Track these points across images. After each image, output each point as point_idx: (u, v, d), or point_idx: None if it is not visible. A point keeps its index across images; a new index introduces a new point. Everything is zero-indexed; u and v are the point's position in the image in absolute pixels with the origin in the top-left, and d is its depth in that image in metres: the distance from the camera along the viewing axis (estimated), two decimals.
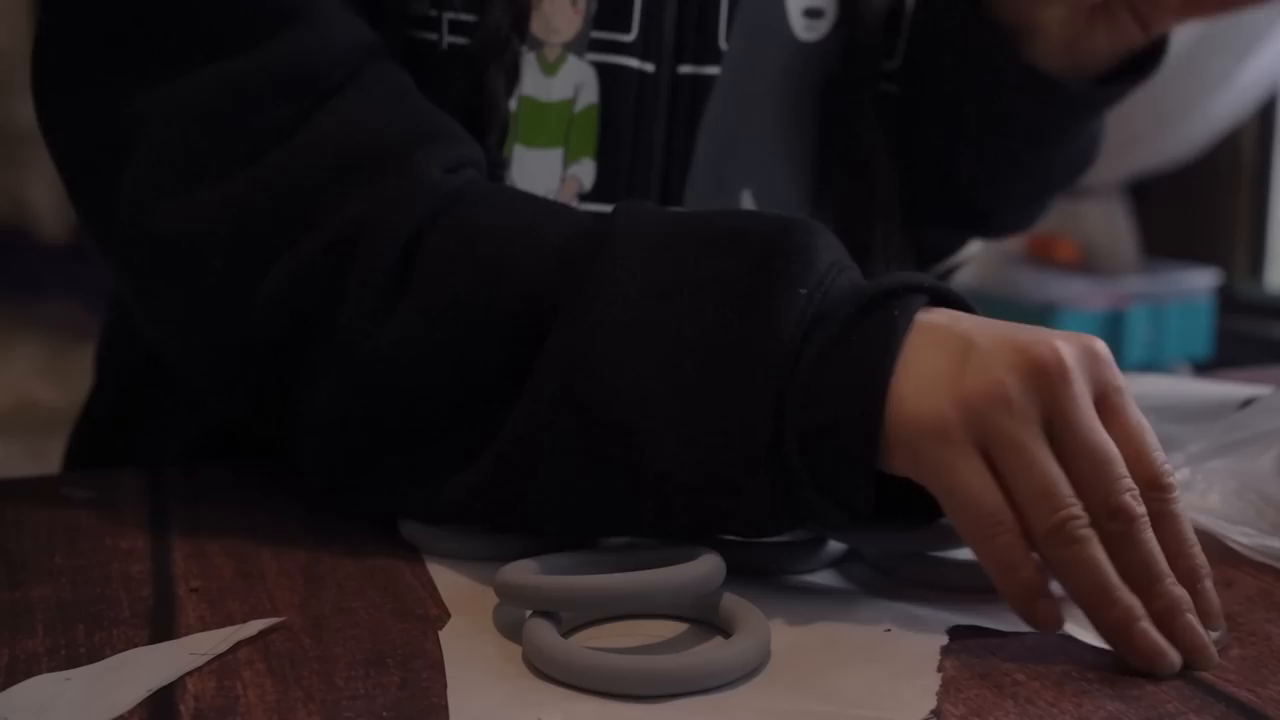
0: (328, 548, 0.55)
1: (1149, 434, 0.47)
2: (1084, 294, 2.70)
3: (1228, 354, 2.74)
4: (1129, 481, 0.45)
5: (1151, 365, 2.62)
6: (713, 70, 0.67)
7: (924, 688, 0.42)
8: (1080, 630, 0.47)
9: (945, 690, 0.43)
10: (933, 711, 0.41)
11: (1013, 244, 2.94)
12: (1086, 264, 2.86)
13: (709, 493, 0.48)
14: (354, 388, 0.54)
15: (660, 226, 0.52)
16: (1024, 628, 0.47)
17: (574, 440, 0.49)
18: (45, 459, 0.89)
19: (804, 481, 0.47)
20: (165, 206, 0.55)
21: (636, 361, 0.49)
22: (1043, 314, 2.70)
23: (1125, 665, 0.44)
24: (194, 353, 0.58)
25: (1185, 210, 2.97)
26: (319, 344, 0.54)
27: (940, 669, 0.44)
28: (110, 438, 0.80)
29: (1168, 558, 0.45)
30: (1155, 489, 0.46)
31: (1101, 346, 0.47)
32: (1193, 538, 0.46)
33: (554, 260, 0.52)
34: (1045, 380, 0.46)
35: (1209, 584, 0.46)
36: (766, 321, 0.48)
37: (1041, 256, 2.91)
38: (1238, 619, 0.48)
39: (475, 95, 0.62)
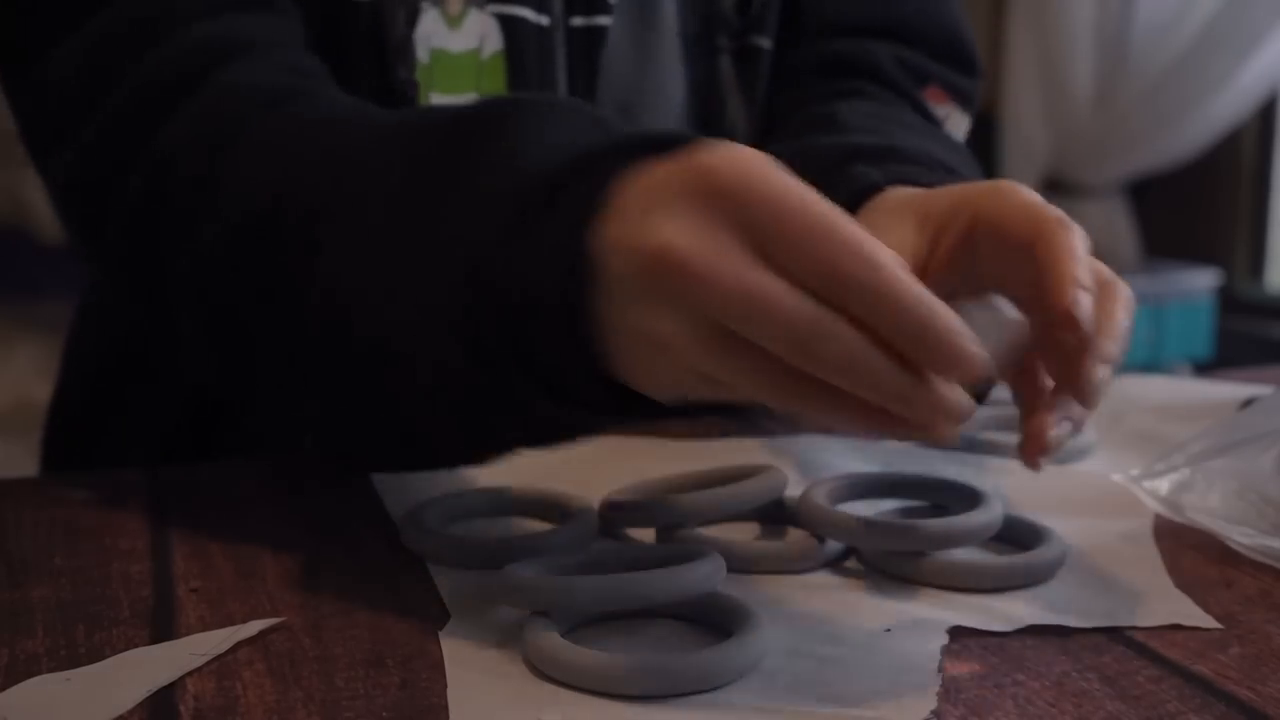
0: (328, 548, 0.55)
1: None
2: None
3: (1228, 354, 2.74)
4: None
5: (1151, 365, 2.62)
6: (604, 21, 0.70)
7: (924, 688, 0.42)
8: (1066, 618, 0.47)
9: (945, 690, 0.43)
10: (933, 711, 0.41)
11: None
12: None
13: (419, 368, 0.48)
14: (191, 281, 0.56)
15: (404, 116, 0.53)
16: (1023, 625, 0.47)
17: (301, 319, 0.51)
18: None
19: (511, 365, 0.45)
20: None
21: (356, 232, 0.49)
22: None
23: (1125, 665, 0.44)
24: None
25: (1185, 210, 2.97)
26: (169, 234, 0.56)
27: (940, 669, 0.44)
28: (81, 437, 0.80)
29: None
30: None
31: None
32: None
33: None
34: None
35: None
36: (473, 192, 0.46)
37: None
38: (1238, 619, 0.48)
39: (380, 39, 0.65)
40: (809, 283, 0.39)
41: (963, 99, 0.78)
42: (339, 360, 0.51)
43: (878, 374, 0.40)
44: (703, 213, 0.40)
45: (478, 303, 0.45)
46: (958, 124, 0.78)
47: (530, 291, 0.43)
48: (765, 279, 0.39)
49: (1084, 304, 0.46)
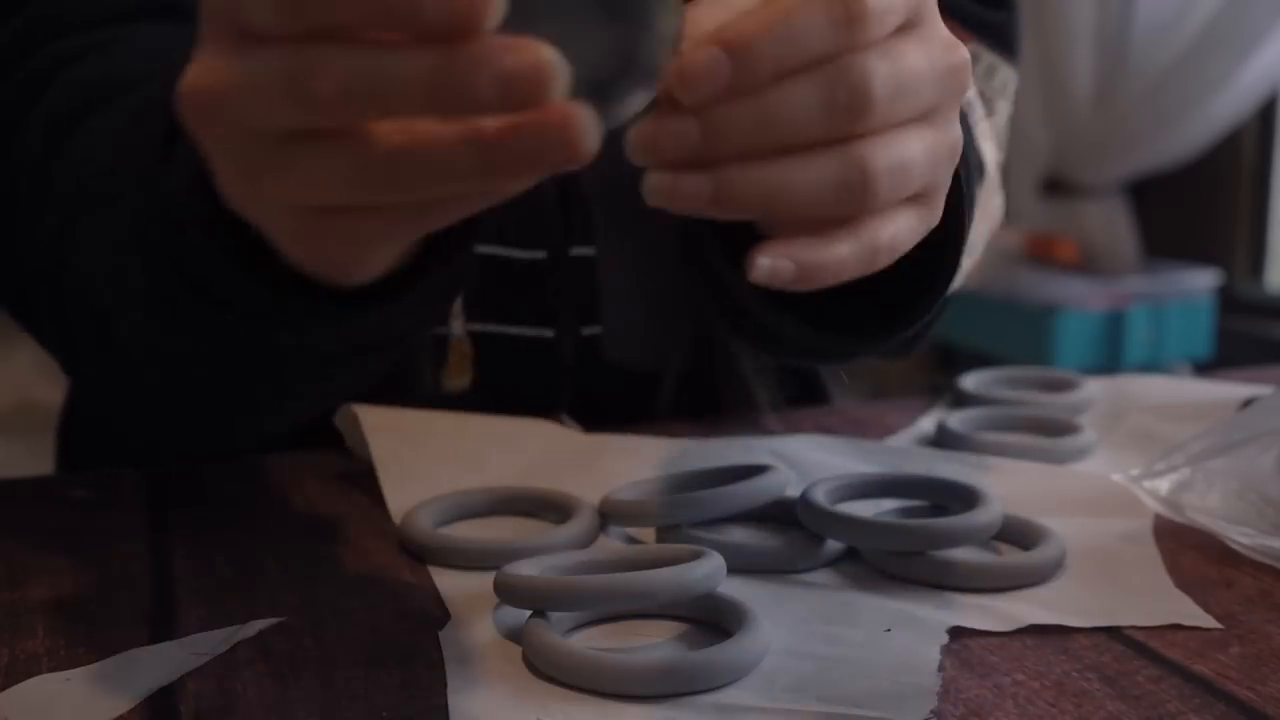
0: (328, 548, 0.55)
1: None
2: (1084, 294, 2.70)
3: (1228, 354, 2.74)
4: None
5: (1151, 365, 2.62)
6: None
7: (924, 688, 0.42)
8: (1053, 615, 0.47)
9: (945, 690, 0.43)
10: (933, 711, 0.41)
11: (1013, 244, 2.95)
12: (1086, 264, 2.86)
13: (145, 316, 0.50)
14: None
15: None
16: (1023, 625, 0.47)
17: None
18: (45, 459, 0.89)
19: (190, 291, 0.46)
20: None
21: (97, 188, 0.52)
22: (1043, 314, 2.71)
23: (1125, 665, 0.44)
24: None
25: (1185, 210, 2.98)
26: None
27: (940, 669, 0.44)
28: (95, 434, 0.80)
29: None
30: None
31: None
32: None
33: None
34: None
35: None
36: (156, 109, 0.47)
37: (1041, 256, 2.92)
38: (1238, 619, 0.48)
39: None
40: (286, 33, 0.34)
41: (992, 34, 0.64)
42: (104, 321, 0.53)
43: (392, 74, 0.33)
44: (201, 51, 0.37)
45: (151, 230, 0.46)
46: (991, 69, 0.65)
47: (177, 202, 0.44)
48: (231, 62, 0.35)
49: (700, 64, 0.37)
